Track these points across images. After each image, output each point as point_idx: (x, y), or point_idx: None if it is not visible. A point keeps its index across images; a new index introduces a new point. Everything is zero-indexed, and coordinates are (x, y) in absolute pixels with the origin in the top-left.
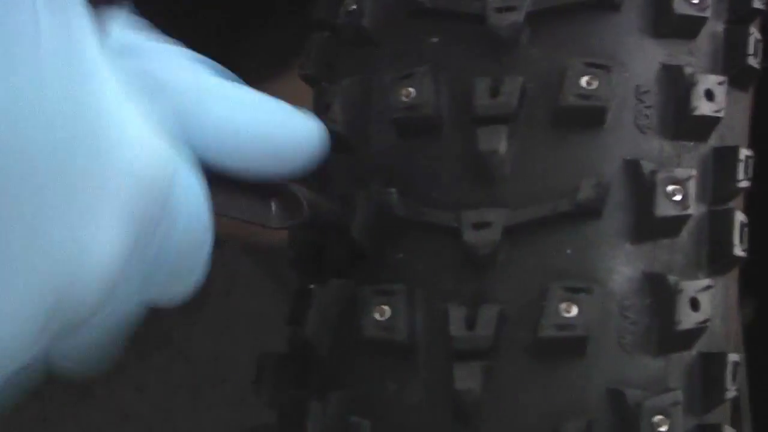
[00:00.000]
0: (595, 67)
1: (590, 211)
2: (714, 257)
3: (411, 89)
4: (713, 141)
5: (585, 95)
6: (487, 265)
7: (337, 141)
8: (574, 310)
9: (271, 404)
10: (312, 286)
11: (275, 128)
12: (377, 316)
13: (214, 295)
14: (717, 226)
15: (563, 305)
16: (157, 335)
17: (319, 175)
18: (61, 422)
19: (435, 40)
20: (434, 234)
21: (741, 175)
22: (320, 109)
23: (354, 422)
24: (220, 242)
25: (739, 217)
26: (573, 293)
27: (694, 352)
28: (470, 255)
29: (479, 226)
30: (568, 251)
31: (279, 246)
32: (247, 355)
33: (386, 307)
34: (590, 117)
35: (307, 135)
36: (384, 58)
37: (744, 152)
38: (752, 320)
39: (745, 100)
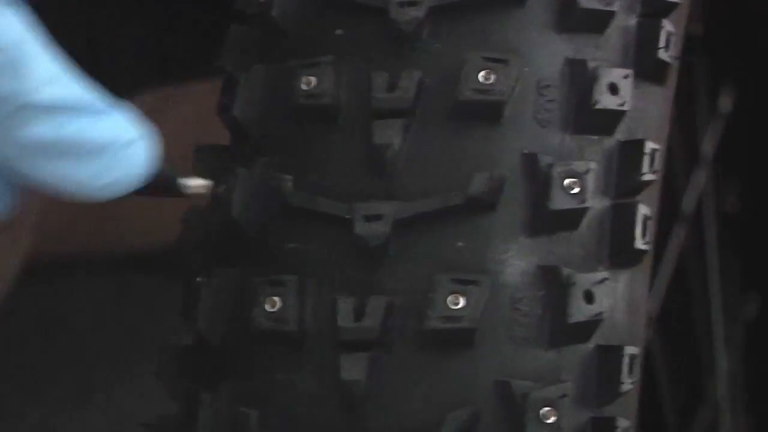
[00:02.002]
0: (493, 62)
1: (483, 205)
2: (615, 251)
3: (312, 78)
4: (620, 135)
5: (482, 89)
6: (378, 257)
7: (235, 127)
8: (462, 302)
9: (171, 395)
10: (199, 278)
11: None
12: (268, 306)
13: None
14: (619, 219)
15: (450, 297)
16: (157, 338)
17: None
18: (61, 426)
19: (340, 32)
20: (326, 224)
21: (646, 168)
22: (225, 97)
23: (242, 412)
24: None
25: (643, 210)
26: (461, 285)
27: (590, 344)
28: (361, 247)
29: (371, 218)
30: (460, 244)
31: None
32: None
33: (276, 298)
34: (487, 111)
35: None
36: (291, 48)
37: (650, 145)
38: (756, 318)
39: (660, 93)
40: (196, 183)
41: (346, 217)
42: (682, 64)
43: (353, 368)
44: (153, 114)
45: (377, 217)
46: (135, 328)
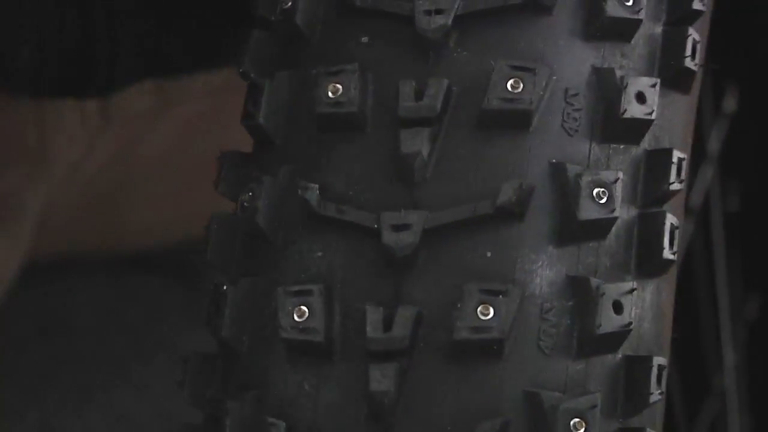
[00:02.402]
0: (520, 70)
1: (511, 214)
2: (643, 260)
3: (338, 86)
4: (646, 143)
5: (509, 98)
6: (406, 267)
7: (260, 134)
8: (491, 313)
9: (194, 404)
10: (225, 286)
11: None
12: (295, 316)
13: None
14: (647, 228)
15: (480, 307)
16: (157, 338)
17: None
18: (61, 426)
19: (365, 39)
20: (353, 234)
21: (673, 177)
22: (249, 104)
23: (269, 423)
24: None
25: (670, 219)
26: (489, 295)
27: (618, 355)
28: (389, 256)
29: (398, 227)
30: (488, 254)
31: None
32: None
33: (304, 308)
34: (515, 120)
35: None
36: (315, 55)
37: (677, 154)
38: (757, 318)
39: (684, 101)
40: None
41: (374, 226)
42: None
43: (382, 379)
44: (151, 115)
45: (405, 227)
46: (135, 328)
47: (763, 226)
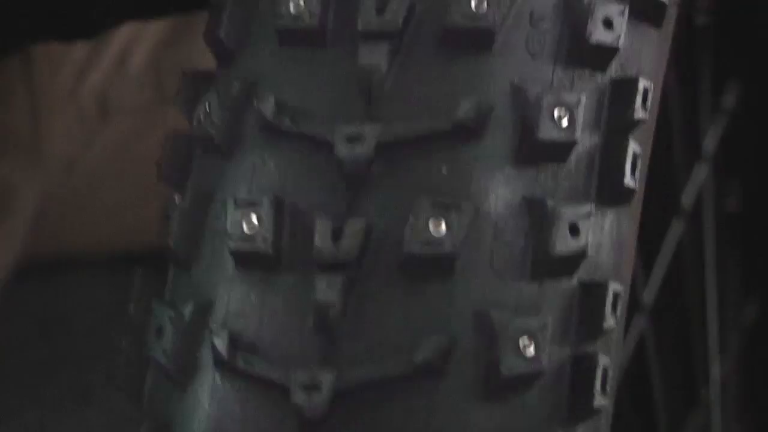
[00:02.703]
0: None
1: (469, 131)
2: (604, 187)
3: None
4: (612, 71)
5: (472, 16)
6: (359, 180)
7: (219, 48)
8: (443, 227)
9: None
10: (176, 197)
11: None
12: (244, 226)
13: None
14: (609, 156)
15: (432, 222)
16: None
17: None
18: (60, 426)
19: None
20: (307, 146)
21: (638, 106)
22: (211, 20)
23: (213, 332)
24: None
25: (633, 147)
26: (442, 210)
27: (574, 279)
28: (341, 169)
29: (352, 139)
30: (444, 170)
31: None
32: None
33: (253, 218)
34: (477, 38)
35: None
36: None
37: (643, 84)
38: (756, 321)
39: (655, 35)
40: None
41: (328, 139)
42: (685, 58)
43: (328, 290)
44: (149, 111)
45: (359, 139)
46: (134, 328)
47: (762, 228)
